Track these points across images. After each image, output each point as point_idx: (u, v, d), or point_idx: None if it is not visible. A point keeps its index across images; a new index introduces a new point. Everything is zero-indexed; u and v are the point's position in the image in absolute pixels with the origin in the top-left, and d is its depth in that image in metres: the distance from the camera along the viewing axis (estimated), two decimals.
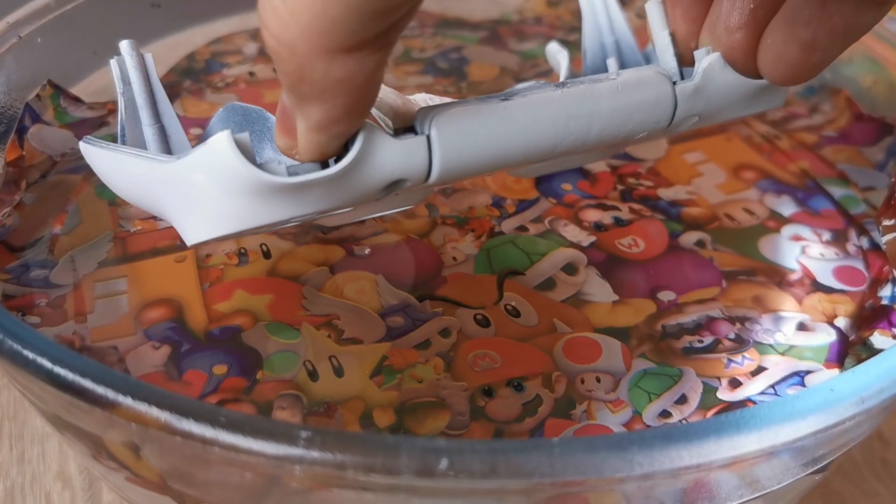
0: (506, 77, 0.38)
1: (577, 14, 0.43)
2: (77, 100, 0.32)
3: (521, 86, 0.25)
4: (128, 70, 0.21)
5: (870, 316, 0.26)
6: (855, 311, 0.27)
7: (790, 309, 0.27)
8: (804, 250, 0.29)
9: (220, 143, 0.17)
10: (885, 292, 0.27)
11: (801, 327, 0.26)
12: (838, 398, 0.17)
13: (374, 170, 0.18)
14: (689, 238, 0.30)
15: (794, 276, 0.28)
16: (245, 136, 0.17)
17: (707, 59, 0.22)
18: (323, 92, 0.16)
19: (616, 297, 0.27)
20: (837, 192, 0.32)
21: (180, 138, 0.21)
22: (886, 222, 0.28)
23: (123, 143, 0.21)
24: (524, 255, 0.29)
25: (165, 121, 0.21)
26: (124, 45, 0.21)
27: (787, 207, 0.31)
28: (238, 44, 0.39)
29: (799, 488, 0.22)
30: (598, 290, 0.28)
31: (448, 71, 0.38)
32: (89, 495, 0.27)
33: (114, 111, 0.33)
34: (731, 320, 0.27)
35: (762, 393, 0.24)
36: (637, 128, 0.21)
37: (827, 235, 0.30)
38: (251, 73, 0.37)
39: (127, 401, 0.16)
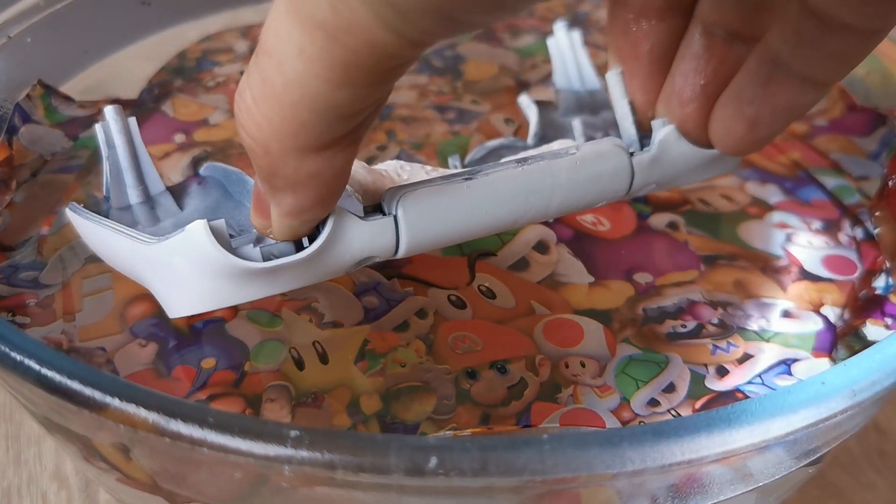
0: (506, 76, 0.37)
1: (570, 6, 0.43)
2: (67, 98, 0.32)
3: (491, 143, 0.28)
4: (112, 134, 0.22)
5: (863, 306, 0.26)
6: (844, 300, 0.27)
7: (774, 295, 0.27)
8: (790, 238, 0.29)
9: (197, 231, 0.18)
10: (879, 282, 0.27)
11: (786, 314, 0.26)
12: (830, 391, 0.17)
13: (344, 250, 0.19)
14: (659, 219, 0.30)
15: (779, 263, 0.28)
16: (221, 222, 0.18)
17: (663, 131, 0.23)
18: (295, 185, 0.17)
19: (591, 279, 0.27)
20: (831, 181, 0.32)
21: (164, 199, 0.23)
22: (879, 213, 0.28)
23: (108, 203, 0.22)
24: (495, 235, 0.28)
25: (149, 182, 0.23)
26: (109, 111, 0.22)
27: (771, 195, 0.31)
28: (229, 42, 0.39)
29: (793, 481, 0.22)
30: (572, 270, 0.27)
31: (443, 69, 0.38)
32: (85, 496, 0.27)
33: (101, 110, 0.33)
34: (713, 305, 0.26)
35: (750, 382, 0.24)
36: (596, 198, 0.22)
37: (817, 224, 0.30)
38: (242, 73, 0.37)
39: (115, 402, 0.16)
